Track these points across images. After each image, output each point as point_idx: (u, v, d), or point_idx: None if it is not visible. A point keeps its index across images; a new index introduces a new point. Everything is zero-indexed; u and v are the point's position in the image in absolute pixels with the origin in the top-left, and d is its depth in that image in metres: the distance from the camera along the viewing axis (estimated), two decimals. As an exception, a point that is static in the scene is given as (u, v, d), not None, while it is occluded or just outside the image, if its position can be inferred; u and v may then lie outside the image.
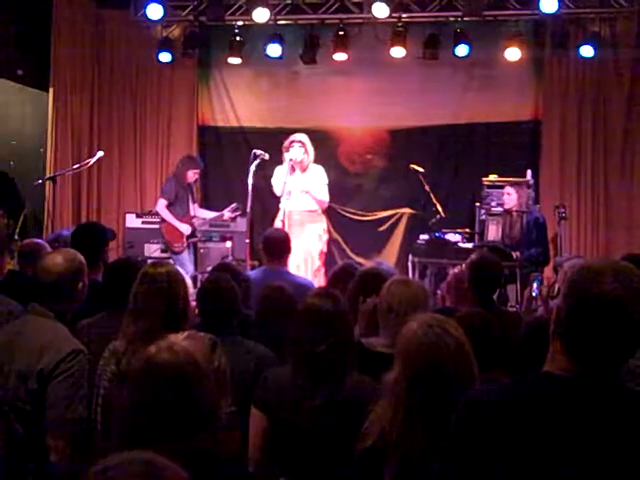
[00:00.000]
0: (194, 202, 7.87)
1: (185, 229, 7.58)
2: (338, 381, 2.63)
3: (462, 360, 2.24)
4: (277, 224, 6.74)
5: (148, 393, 1.79)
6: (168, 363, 1.79)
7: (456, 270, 4.52)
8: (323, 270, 6.95)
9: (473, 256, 4.26)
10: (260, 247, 5.07)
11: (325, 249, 7.15)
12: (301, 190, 6.94)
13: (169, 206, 7.62)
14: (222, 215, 7.72)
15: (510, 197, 7.03)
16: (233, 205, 7.61)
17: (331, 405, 2.59)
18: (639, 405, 1.63)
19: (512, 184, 7.14)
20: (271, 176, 7.12)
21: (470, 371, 2.24)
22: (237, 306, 3.32)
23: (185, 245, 7.59)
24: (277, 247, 4.96)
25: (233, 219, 7.94)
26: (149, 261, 7.15)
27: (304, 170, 6.94)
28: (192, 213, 7.75)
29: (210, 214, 7.87)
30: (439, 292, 5.23)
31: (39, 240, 4.73)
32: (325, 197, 7.11)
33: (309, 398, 2.62)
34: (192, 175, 7.70)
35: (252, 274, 5.07)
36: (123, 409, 1.84)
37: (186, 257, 7.61)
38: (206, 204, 9.30)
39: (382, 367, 2.41)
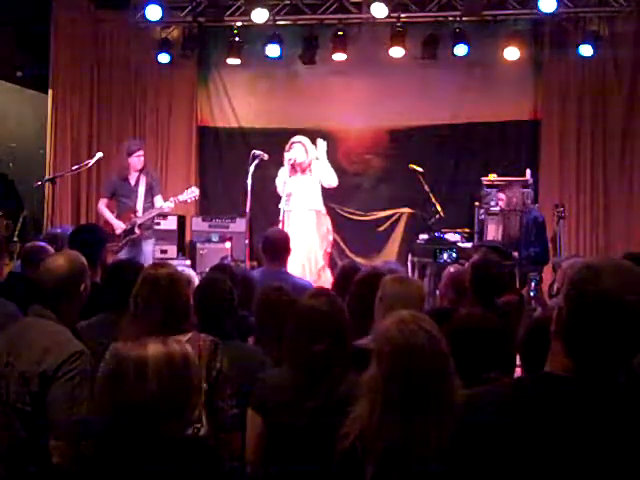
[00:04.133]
0: (153, 194, 7.11)
1: (117, 226, 6.89)
2: (335, 381, 2.63)
3: (436, 356, 2.23)
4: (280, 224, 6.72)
5: (115, 388, 1.85)
6: (136, 358, 1.85)
7: (452, 269, 4.50)
8: (329, 270, 6.93)
9: (475, 257, 4.25)
10: (260, 248, 5.05)
11: (329, 249, 7.13)
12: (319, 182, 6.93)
13: (115, 202, 7.10)
14: (172, 202, 6.99)
15: (502, 202, 7.05)
16: (188, 190, 7.10)
17: (328, 406, 2.59)
18: (640, 404, 1.63)
19: (502, 188, 7.13)
20: (270, 176, 7.11)
21: (445, 367, 2.23)
22: (233, 307, 3.31)
23: (122, 243, 6.88)
24: (276, 248, 4.93)
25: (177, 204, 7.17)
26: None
27: (304, 171, 6.93)
28: (138, 206, 7.00)
29: (165, 203, 7.06)
30: (438, 292, 5.23)
31: (42, 243, 4.72)
32: (333, 180, 6.98)
33: (306, 399, 2.61)
34: (136, 160, 7.01)
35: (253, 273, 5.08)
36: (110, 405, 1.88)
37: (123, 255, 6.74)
38: (205, 204, 9.31)
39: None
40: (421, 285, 3.50)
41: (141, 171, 7.07)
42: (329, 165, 7.03)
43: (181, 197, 7.05)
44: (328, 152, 7.01)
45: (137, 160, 7.02)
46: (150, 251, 7.15)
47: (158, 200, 7.12)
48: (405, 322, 2.27)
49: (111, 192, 7.11)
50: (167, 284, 2.88)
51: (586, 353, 1.61)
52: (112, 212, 7.11)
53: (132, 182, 7.06)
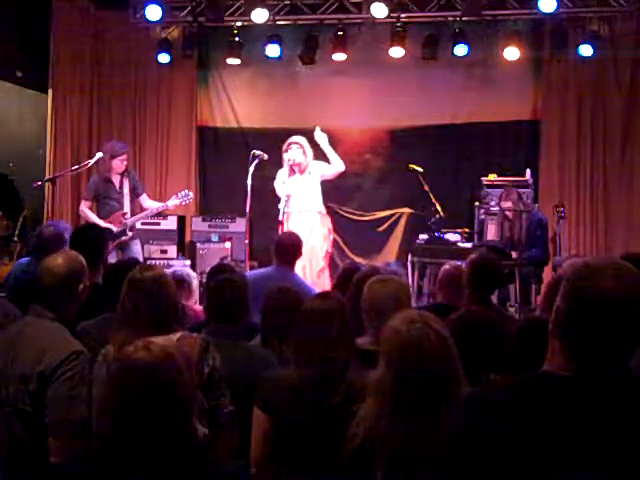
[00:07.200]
0: (138, 194, 7.13)
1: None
2: (340, 380, 2.64)
3: (445, 355, 2.23)
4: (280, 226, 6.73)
5: (126, 392, 1.83)
6: (143, 361, 1.83)
7: (447, 266, 4.50)
8: (328, 272, 6.92)
9: (473, 256, 4.25)
10: (272, 248, 5.11)
11: (330, 249, 7.14)
12: (321, 177, 6.94)
13: (97, 205, 7.02)
14: (165, 206, 7.13)
15: (506, 204, 7.03)
16: (182, 192, 7.14)
17: (332, 404, 2.59)
18: (639, 404, 1.63)
19: (505, 197, 7.09)
20: (270, 177, 7.11)
21: (454, 366, 2.23)
22: (248, 308, 3.34)
23: (112, 246, 6.54)
24: (288, 251, 5.04)
25: (184, 205, 7.38)
26: (149, 262, 7.21)
27: (303, 172, 6.93)
28: (125, 209, 6.97)
29: (157, 205, 7.19)
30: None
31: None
32: (339, 165, 7.00)
33: (311, 398, 2.62)
34: (119, 164, 6.96)
35: (261, 271, 5.20)
36: (103, 409, 1.87)
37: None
38: (205, 204, 9.31)
39: (369, 364, 2.43)
40: (403, 284, 3.49)
41: (122, 174, 7.04)
42: (333, 151, 7.04)
43: (177, 201, 7.10)
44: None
45: (120, 163, 6.98)
46: (139, 251, 7.13)
47: (144, 199, 7.16)
48: (413, 322, 2.27)
49: (94, 194, 7.03)
50: (153, 287, 2.89)
51: (585, 352, 1.62)
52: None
53: (117, 184, 7.01)
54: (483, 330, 2.78)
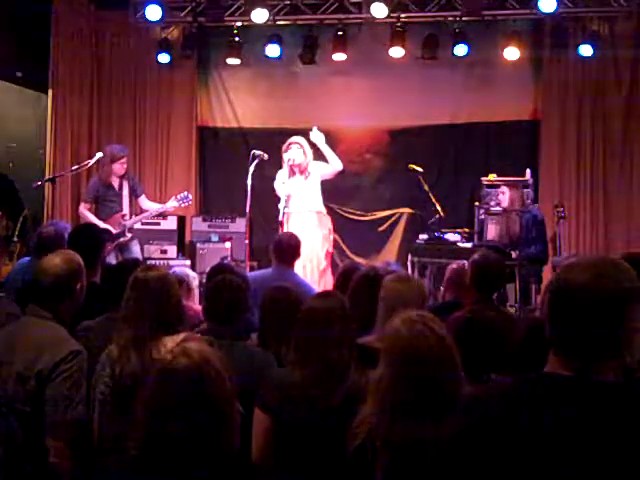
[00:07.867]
0: (137, 195, 7.24)
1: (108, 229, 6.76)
2: (341, 380, 2.64)
3: (444, 356, 2.24)
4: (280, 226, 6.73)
5: (168, 400, 1.79)
6: (186, 367, 1.79)
7: (454, 265, 4.51)
8: (330, 270, 6.92)
9: (476, 255, 4.25)
10: (271, 248, 5.13)
11: (331, 249, 7.14)
12: (321, 176, 6.93)
13: (97, 207, 7.08)
14: (164, 208, 7.22)
15: (504, 196, 7.07)
16: (181, 194, 7.22)
17: (333, 404, 2.59)
18: (639, 404, 1.63)
19: (506, 183, 7.18)
20: (270, 177, 7.11)
21: (453, 366, 2.24)
22: (246, 308, 3.34)
23: (111, 247, 6.69)
24: (286, 251, 5.08)
25: (185, 208, 7.53)
26: (149, 262, 7.21)
27: (303, 172, 6.92)
28: (125, 210, 7.07)
29: (157, 206, 7.29)
30: (442, 288, 5.24)
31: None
32: (337, 164, 6.99)
33: (312, 398, 2.62)
34: (120, 167, 7.04)
35: (261, 272, 5.22)
36: (141, 416, 1.82)
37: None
38: (205, 205, 9.32)
39: (373, 362, 2.43)
40: (422, 284, 3.52)
41: (122, 176, 7.12)
42: (330, 150, 7.03)
43: (175, 203, 7.17)
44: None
45: (120, 167, 7.05)
46: (138, 252, 7.22)
47: (143, 200, 7.25)
48: (413, 322, 2.28)
49: (94, 196, 7.09)
50: (157, 287, 2.90)
51: (571, 349, 1.61)
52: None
53: (116, 186, 7.09)
54: (485, 330, 2.79)
